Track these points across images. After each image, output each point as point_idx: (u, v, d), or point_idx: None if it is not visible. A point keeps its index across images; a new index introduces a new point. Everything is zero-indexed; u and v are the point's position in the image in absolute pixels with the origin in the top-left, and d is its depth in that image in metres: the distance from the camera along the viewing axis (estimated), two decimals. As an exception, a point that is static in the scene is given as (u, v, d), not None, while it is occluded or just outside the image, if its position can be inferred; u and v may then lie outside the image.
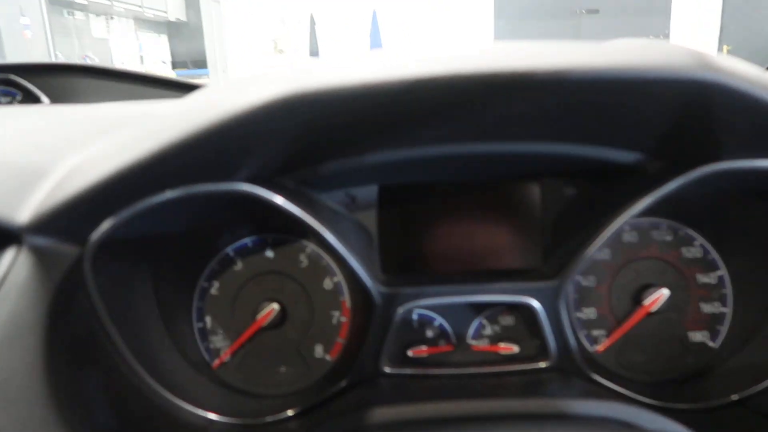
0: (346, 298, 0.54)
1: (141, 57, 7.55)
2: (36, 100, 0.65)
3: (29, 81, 0.63)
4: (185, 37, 8.41)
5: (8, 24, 5.09)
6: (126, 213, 0.40)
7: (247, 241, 0.54)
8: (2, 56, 5.24)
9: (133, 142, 0.38)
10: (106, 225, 0.40)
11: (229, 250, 0.54)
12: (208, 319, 0.54)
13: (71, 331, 0.38)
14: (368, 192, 0.53)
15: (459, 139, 0.44)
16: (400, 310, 0.49)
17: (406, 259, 0.54)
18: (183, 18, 8.40)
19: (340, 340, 0.54)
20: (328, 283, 0.54)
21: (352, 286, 0.54)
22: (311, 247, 0.54)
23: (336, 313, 0.54)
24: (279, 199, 0.42)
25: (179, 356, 0.50)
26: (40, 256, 0.38)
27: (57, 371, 0.35)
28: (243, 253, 0.54)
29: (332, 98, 0.34)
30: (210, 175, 0.40)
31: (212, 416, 0.48)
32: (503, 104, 0.36)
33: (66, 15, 6.56)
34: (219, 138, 0.35)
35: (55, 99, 0.67)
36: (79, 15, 6.77)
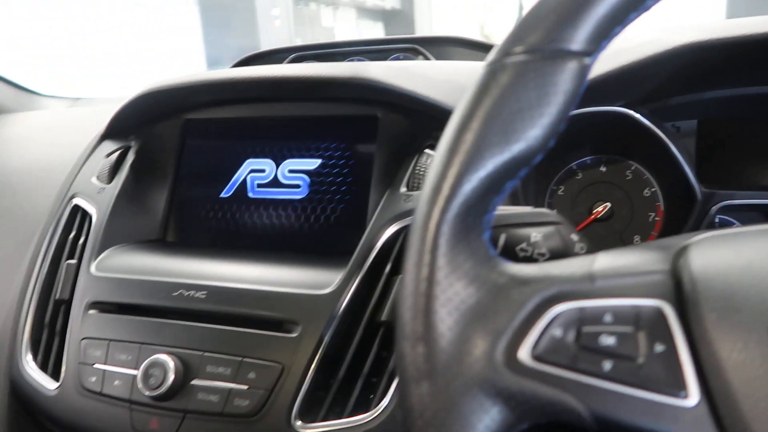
0: (661, 203, 0.74)
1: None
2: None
3: (425, 48, 0.93)
4: (398, 24, 9.02)
5: (262, 14, 6.02)
6: None
7: (587, 159, 0.77)
8: (257, 40, 6.11)
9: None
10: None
11: (573, 164, 0.77)
12: (554, 211, 0.77)
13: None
14: (689, 125, 0.72)
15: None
16: (713, 209, 0.68)
17: (715, 173, 0.72)
18: (398, 6, 8.97)
19: (654, 233, 0.74)
20: (647, 192, 0.74)
21: (668, 193, 0.73)
22: (635, 165, 0.75)
23: (652, 214, 0.74)
24: (643, 120, 0.63)
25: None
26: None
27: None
28: (583, 167, 0.77)
29: (711, 46, 0.54)
30: (603, 100, 0.63)
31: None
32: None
33: (303, 6, 7.43)
34: (629, 73, 0.57)
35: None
36: (312, 6, 7.63)
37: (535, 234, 0.45)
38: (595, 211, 0.75)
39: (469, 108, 0.35)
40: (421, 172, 0.61)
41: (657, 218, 0.74)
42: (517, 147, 0.34)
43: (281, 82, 0.68)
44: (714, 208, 0.68)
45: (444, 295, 0.33)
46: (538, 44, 0.33)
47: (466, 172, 0.34)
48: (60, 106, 1.43)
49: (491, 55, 0.35)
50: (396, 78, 0.64)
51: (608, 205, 0.74)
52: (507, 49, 0.34)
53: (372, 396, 0.55)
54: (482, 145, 0.34)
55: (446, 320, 0.33)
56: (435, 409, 0.32)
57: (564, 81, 0.33)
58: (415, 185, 0.61)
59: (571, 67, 0.33)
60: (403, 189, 0.61)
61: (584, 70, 0.34)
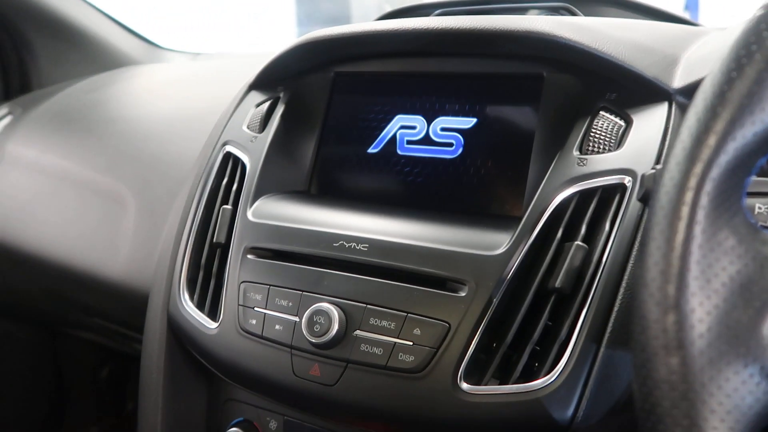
0: None
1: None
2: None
3: (579, 9, 0.88)
4: None
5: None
6: None
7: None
8: (348, 5, 6.08)
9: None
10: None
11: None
12: None
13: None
14: None
15: None
16: None
17: None
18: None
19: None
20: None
21: None
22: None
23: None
24: None
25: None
26: (682, 112, 0.58)
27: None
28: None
29: None
30: None
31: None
32: None
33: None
34: None
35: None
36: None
37: (760, 205, 0.42)
38: None
39: (745, 44, 0.31)
40: (598, 136, 0.58)
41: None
42: None
43: (445, 34, 0.66)
44: None
45: (705, 261, 0.31)
46: None
47: (737, 124, 0.31)
48: (181, 59, 1.47)
49: None
50: (572, 33, 0.60)
51: None
52: None
53: (536, 364, 0.53)
54: (762, 91, 0.30)
55: (705, 288, 0.31)
56: (689, 383, 0.29)
57: None
58: (589, 149, 0.58)
59: None
60: (575, 152, 0.58)
61: None
